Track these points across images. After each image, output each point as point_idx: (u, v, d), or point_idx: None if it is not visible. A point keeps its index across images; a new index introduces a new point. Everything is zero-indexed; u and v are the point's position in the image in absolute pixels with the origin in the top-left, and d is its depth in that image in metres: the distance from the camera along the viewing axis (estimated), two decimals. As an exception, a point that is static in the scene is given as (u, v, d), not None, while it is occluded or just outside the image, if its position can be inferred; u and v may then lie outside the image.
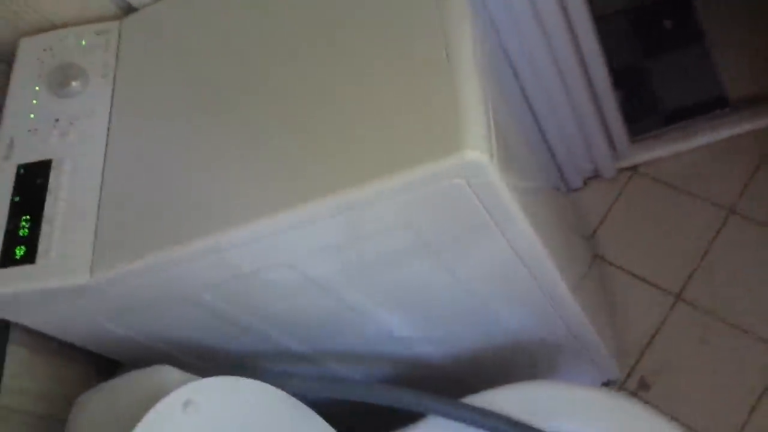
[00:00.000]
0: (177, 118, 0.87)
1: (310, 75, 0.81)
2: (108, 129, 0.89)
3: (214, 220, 0.77)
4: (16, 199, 0.84)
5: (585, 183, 1.54)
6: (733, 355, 1.31)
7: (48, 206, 0.83)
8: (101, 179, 0.85)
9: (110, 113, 0.91)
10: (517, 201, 0.79)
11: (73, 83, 0.92)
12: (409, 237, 0.80)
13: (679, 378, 1.32)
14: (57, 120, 0.90)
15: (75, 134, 0.89)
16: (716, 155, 1.48)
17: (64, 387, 0.95)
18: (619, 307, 1.41)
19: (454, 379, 1.20)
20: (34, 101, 0.92)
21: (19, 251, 0.80)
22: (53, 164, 0.86)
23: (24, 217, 0.83)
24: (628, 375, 1.35)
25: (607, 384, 1.36)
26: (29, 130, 0.90)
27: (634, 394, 1.33)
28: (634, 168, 1.53)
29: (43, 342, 0.93)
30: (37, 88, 0.93)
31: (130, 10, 0.99)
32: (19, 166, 0.87)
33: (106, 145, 0.88)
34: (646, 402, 1.32)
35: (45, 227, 0.82)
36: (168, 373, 0.78)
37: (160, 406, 0.71)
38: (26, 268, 0.80)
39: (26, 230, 0.82)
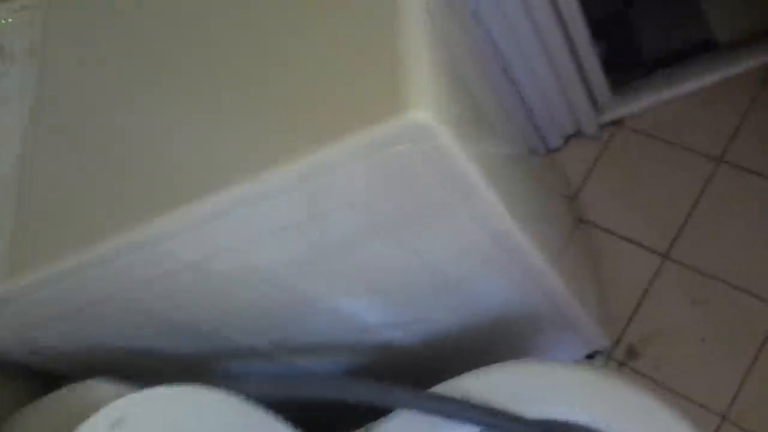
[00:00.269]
0: (107, 92, 0.79)
1: (244, 35, 0.73)
2: (31, 110, 0.81)
3: (144, 205, 0.69)
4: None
5: (566, 142, 1.46)
6: (726, 315, 1.24)
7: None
8: (21, 167, 0.77)
9: (36, 93, 0.82)
10: (481, 170, 0.71)
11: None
12: (362, 215, 0.72)
13: (669, 344, 1.26)
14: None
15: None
16: (704, 102, 1.40)
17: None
18: (605, 271, 1.34)
19: (432, 364, 1.13)
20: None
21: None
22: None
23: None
24: (617, 343, 1.29)
25: (594, 355, 1.29)
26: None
27: (623, 363, 1.27)
28: (617, 122, 1.44)
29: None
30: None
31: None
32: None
33: (27, 129, 0.79)
34: (636, 371, 1.25)
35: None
36: (97, 388, 0.71)
37: (85, 428, 0.64)
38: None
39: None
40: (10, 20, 0.90)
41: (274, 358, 1.01)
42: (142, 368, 0.92)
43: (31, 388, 0.91)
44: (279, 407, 0.85)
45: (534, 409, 0.89)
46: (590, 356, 1.29)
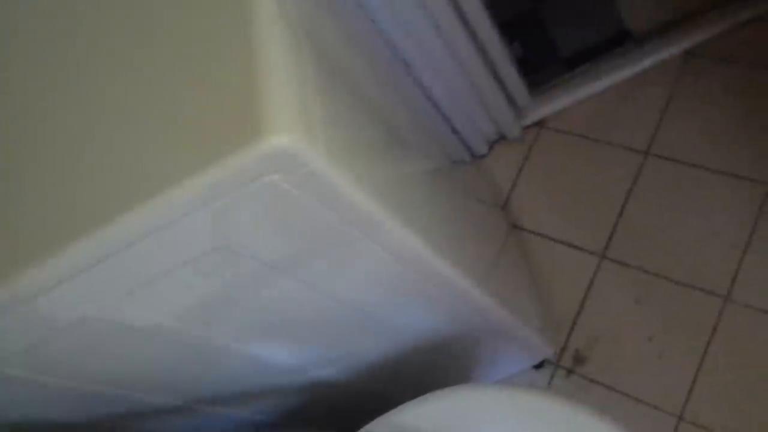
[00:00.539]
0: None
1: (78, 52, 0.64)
2: None
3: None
4: None
5: (491, 148, 1.41)
6: (671, 311, 1.20)
7: None
8: None
9: None
10: (375, 195, 0.65)
11: None
12: (246, 257, 0.65)
13: (616, 346, 1.21)
14: None
15: None
16: (624, 95, 1.37)
17: None
18: (543, 277, 1.29)
19: (371, 395, 1.06)
20: None
21: None
22: None
23: None
24: (563, 350, 1.24)
25: (541, 364, 1.24)
26: None
27: (570, 370, 1.22)
28: (539, 123, 1.40)
29: None
30: None
31: None
32: None
33: None
34: (585, 377, 1.20)
35: None
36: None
37: None
38: None
39: None
40: None
41: (196, 412, 0.94)
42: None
43: None
44: None
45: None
46: (538, 366, 1.24)
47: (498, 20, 1.22)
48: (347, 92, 0.75)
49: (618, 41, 1.40)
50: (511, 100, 1.34)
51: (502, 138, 1.40)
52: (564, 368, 1.22)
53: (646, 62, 1.37)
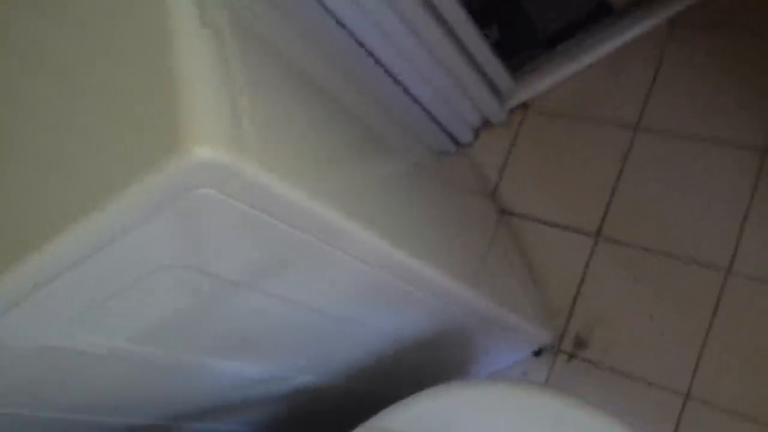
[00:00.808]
0: None
1: None
2: None
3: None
4: None
5: (476, 135, 1.38)
6: (671, 287, 1.17)
7: None
8: None
9: None
10: (329, 201, 0.63)
11: None
12: (200, 278, 0.63)
13: (617, 327, 1.18)
14: None
15: None
16: (609, 71, 1.33)
17: None
18: (537, 262, 1.26)
19: (365, 396, 1.04)
20: None
21: None
22: None
23: None
24: (562, 335, 1.21)
25: (540, 351, 1.21)
26: None
27: (572, 355, 1.19)
28: (524, 106, 1.37)
29: None
30: None
31: None
32: None
33: None
34: (587, 361, 1.17)
35: None
36: None
37: None
38: None
39: None
40: None
41: (181, 430, 0.92)
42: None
43: None
44: None
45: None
46: (537, 353, 1.21)
47: (474, 5, 1.19)
48: (302, 96, 0.72)
49: (598, 15, 1.36)
50: (492, 85, 1.31)
51: (487, 124, 1.37)
52: (565, 353, 1.19)
53: (629, 35, 1.33)
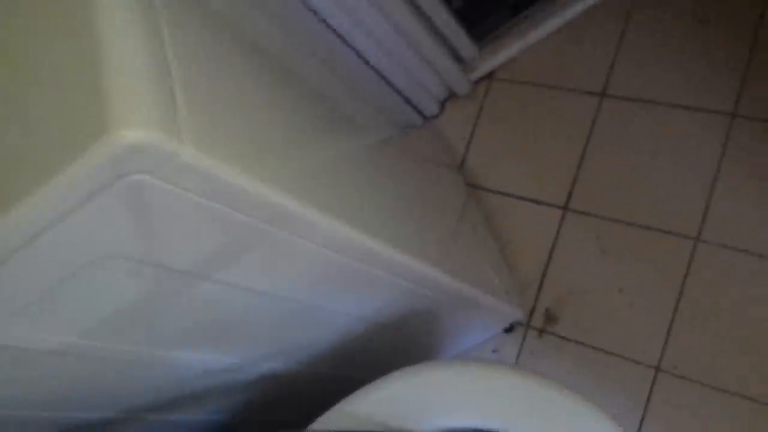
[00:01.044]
0: None
1: None
2: None
3: None
4: None
5: (442, 107, 1.34)
6: (640, 259, 1.15)
7: None
8: None
9: None
10: (276, 183, 0.59)
11: None
12: (145, 268, 0.59)
13: (587, 301, 1.16)
14: None
15: None
16: (574, 37, 1.30)
17: None
18: (505, 236, 1.24)
19: (336, 381, 1.01)
20: None
21: None
22: None
23: None
24: (533, 311, 1.19)
25: (512, 327, 1.19)
26: None
27: (542, 330, 1.17)
28: (490, 76, 1.33)
29: None
30: None
31: None
32: None
33: None
34: (558, 336, 1.16)
35: None
36: None
37: None
38: None
39: None
40: None
41: (143, 421, 0.89)
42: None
43: None
44: None
45: (431, 422, 0.79)
46: (508, 329, 1.19)
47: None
48: (251, 73, 0.68)
49: (564, -20, 1.33)
50: (455, 55, 1.27)
51: (452, 95, 1.33)
52: (535, 329, 1.18)
53: (594, 0, 1.30)
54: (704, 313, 1.09)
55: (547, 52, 1.30)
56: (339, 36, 1.08)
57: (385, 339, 1.03)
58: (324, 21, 1.04)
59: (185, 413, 0.92)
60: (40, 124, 0.49)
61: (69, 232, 0.49)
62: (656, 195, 1.17)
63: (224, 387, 0.90)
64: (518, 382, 0.78)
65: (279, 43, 0.87)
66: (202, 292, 0.67)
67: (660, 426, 1.07)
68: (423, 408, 0.80)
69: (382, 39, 1.12)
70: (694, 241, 1.13)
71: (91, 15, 0.47)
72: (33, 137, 0.48)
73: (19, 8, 0.56)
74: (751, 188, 1.13)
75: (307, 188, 0.65)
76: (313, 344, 0.92)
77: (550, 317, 1.17)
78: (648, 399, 1.09)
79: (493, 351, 1.19)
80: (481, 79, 1.33)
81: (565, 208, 1.21)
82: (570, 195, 1.21)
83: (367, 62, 1.15)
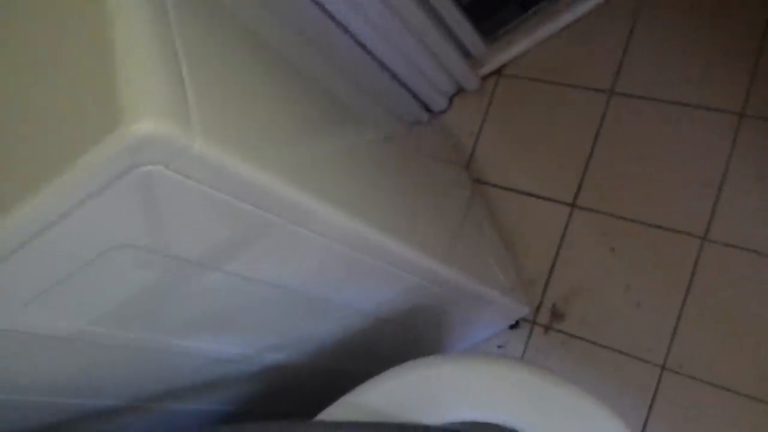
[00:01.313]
0: None
1: None
2: None
3: None
4: None
5: (450, 102, 1.34)
6: (647, 257, 1.15)
7: None
8: None
9: None
10: (285, 175, 0.59)
11: None
12: (156, 258, 0.59)
13: (593, 298, 1.16)
14: None
15: None
16: (583, 34, 1.29)
17: None
18: (513, 233, 1.23)
19: (341, 374, 1.01)
20: None
21: None
22: None
23: None
24: (539, 307, 1.19)
25: (517, 324, 1.19)
26: None
27: (548, 327, 1.17)
28: (498, 71, 1.33)
29: None
30: None
31: None
32: None
33: None
34: (564, 333, 1.16)
35: None
36: None
37: None
38: None
39: None
40: None
41: (149, 411, 0.89)
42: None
43: None
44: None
45: (437, 415, 0.79)
46: (514, 326, 1.19)
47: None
48: (259, 67, 0.68)
49: (573, -23, 1.32)
50: (464, 50, 1.26)
51: (460, 91, 1.33)
52: (541, 326, 1.18)
53: (604, -4, 1.29)
54: (711, 312, 1.09)
55: (555, 49, 1.29)
56: (346, 30, 1.08)
57: (389, 334, 1.03)
58: (331, 15, 1.04)
59: (190, 403, 0.92)
60: (53, 117, 0.49)
61: (82, 222, 0.50)
62: (664, 193, 1.17)
63: (230, 378, 0.90)
64: (526, 377, 0.78)
65: (285, 37, 0.87)
66: (211, 282, 0.67)
67: (664, 425, 1.07)
68: (430, 401, 0.80)
69: (389, 33, 1.12)
70: (702, 240, 1.13)
71: (103, 9, 0.47)
72: (46, 129, 0.48)
73: (31, 2, 0.56)
74: (760, 188, 1.13)
75: (316, 181, 0.65)
76: (318, 337, 0.92)
77: (556, 314, 1.17)
78: (653, 398, 1.08)
79: (499, 347, 1.19)
80: (490, 74, 1.33)
81: (572, 205, 1.21)
82: (578, 192, 1.21)
83: (374, 57, 1.15)
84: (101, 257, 0.54)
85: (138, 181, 0.47)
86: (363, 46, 1.11)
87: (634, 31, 1.25)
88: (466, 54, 1.27)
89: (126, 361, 0.75)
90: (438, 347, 1.15)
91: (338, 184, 0.70)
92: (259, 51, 0.71)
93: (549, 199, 1.23)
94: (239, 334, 0.80)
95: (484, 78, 1.33)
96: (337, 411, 0.81)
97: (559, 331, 1.16)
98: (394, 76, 1.20)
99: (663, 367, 1.09)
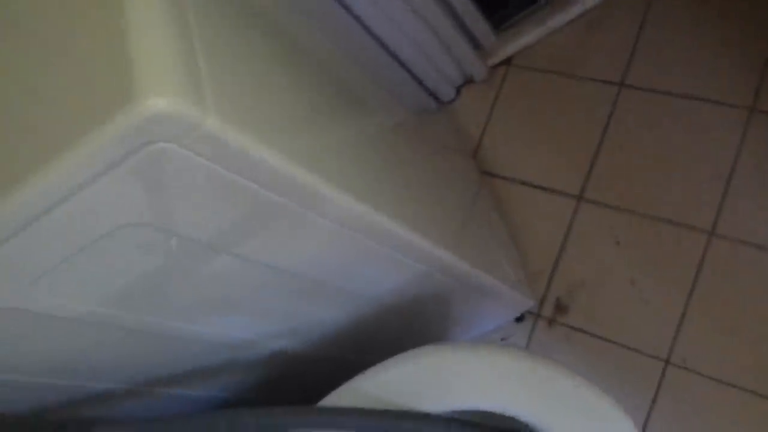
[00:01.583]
0: None
1: None
2: None
3: None
4: None
5: (458, 92, 1.33)
6: (653, 251, 1.14)
7: None
8: None
9: None
10: (297, 158, 0.59)
11: None
12: (165, 238, 0.59)
13: (598, 291, 1.15)
14: None
15: None
16: (594, 25, 1.28)
17: None
18: (518, 224, 1.23)
19: (344, 363, 1.01)
20: None
21: None
22: None
23: None
24: (543, 300, 1.18)
25: (522, 317, 1.18)
26: None
27: (552, 320, 1.16)
28: (507, 62, 1.32)
29: None
30: None
31: None
32: None
33: None
34: (568, 326, 1.15)
35: None
36: None
37: None
38: None
39: None
40: None
41: (153, 395, 0.89)
42: None
43: None
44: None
45: (438, 403, 0.78)
46: (518, 318, 1.19)
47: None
48: (271, 50, 0.67)
49: (585, -32, 1.31)
50: (473, 40, 1.26)
51: (469, 81, 1.32)
52: (545, 318, 1.17)
53: (616, -12, 1.28)
54: (716, 307, 1.08)
55: (565, 40, 1.28)
56: (355, 17, 1.07)
57: (393, 323, 1.03)
58: (342, 2, 1.03)
59: (194, 389, 0.92)
60: (66, 93, 0.49)
61: (91, 200, 0.49)
62: (672, 187, 1.16)
63: (232, 364, 0.90)
64: (528, 366, 0.78)
65: (298, 24, 0.86)
66: (217, 265, 0.67)
67: (667, 419, 1.07)
68: (432, 389, 0.80)
69: (399, 22, 1.11)
70: (709, 235, 1.12)
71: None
72: (59, 106, 0.48)
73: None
74: (768, 184, 1.12)
75: (326, 164, 0.65)
76: (323, 324, 0.92)
77: (560, 307, 1.16)
78: (656, 392, 1.08)
79: (502, 339, 1.19)
80: (499, 65, 1.32)
81: (579, 197, 1.20)
82: (585, 185, 1.20)
83: (383, 45, 1.14)
84: (109, 236, 0.54)
85: (149, 158, 0.47)
86: (372, 34, 1.10)
87: (644, 24, 1.24)
88: (475, 44, 1.26)
89: (130, 343, 0.75)
90: (441, 339, 1.15)
91: (347, 169, 0.70)
92: (271, 34, 0.70)
93: (555, 192, 1.22)
94: (244, 318, 0.80)
95: (493, 68, 1.32)
96: (339, 398, 0.81)
97: (563, 324, 1.16)
98: (403, 65, 1.19)
99: (667, 362, 1.08)
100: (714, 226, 1.12)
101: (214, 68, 0.49)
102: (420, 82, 1.26)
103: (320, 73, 0.83)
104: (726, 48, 1.19)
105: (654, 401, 1.08)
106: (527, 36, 1.29)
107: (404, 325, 1.06)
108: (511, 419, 0.76)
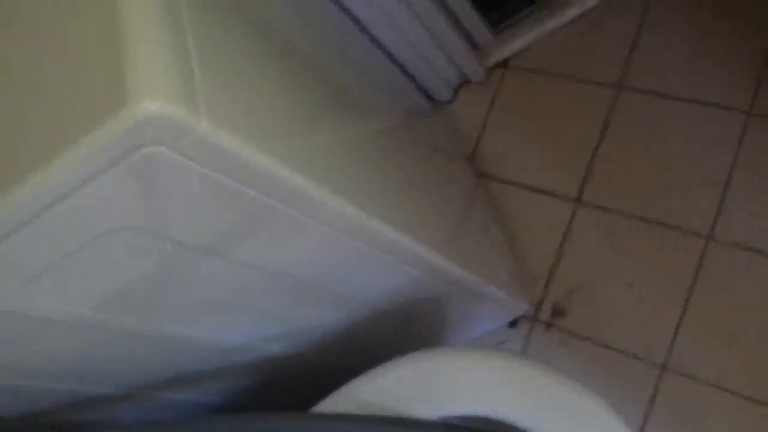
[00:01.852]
0: None
1: None
2: None
3: None
4: None
5: (455, 93, 1.33)
6: (650, 255, 1.13)
7: None
8: None
9: None
10: (288, 161, 0.58)
11: None
12: (157, 241, 0.58)
13: (595, 296, 1.15)
14: None
15: None
16: (592, 27, 1.27)
17: None
18: (515, 228, 1.22)
19: (333, 367, 1.00)
20: None
21: None
22: None
23: None
24: (540, 304, 1.17)
25: (516, 321, 1.17)
26: None
27: (549, 324, 1.16)
28: (504, 63, 1.31)
29: None
30: None
31: None
32: None
33: None
34: (565, 330, 1.14)
35: None
36: None
37: None
38: None
39: None
40: None
41: (145, 399, 0.88)
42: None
43: None
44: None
45: (433, 409, 0.77)
46: (514, 322, 1.18)
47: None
48: (265, 52, 0.66)
49: (583, -31, 1.30)
50: (470, 41, 1.25)
51: (465, 82, 1.31)
52: (542, 322, 1.16)
53: (614, -11, 1.27)
54: (713, 312, 1.08)
55: (563, 42, 1.27)
56: (352, 18, 1.06)
57: (388, 327, 1.02)
58: (338, 2, 1.02)
59: (187, 393, 0.91)
60: (59, 95, 0.48)
61: (83, 203, 0.49)
62: (669, 191, 1.15)
63: (229, 368, 0.89)
64: (522, 371, 0.77)
65: (292, 25, 0.86)
66: (211, 268, 0.66)
67: (664, 425, 1.06)
68: (426, 394, 0.79)
69: (397, 22, 1.10)
70: (706, 239, 1.11)
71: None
72: (52, 108, 0.47)
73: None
74: (766, 187, 1.11)
75: (320, 168, 0.64)
76: (317, 328, 0.91)
77: (557, 311, 1.16)
78: (653, 397, 1.07)
79: (499, 343, 1.18)
80: (496, 66, 1.31)
81: (576, 200, 1.19)
82: (582, 188, 1.20)
83: (379, 45, 1.13)
84: (101, 239, 0.53)
85: (142, 161, 0.47)
86: (369, 34, 1.09)
87: (642, 26, 1.23)
88: (472, 45, 1.25)
89: (125, 347, 0.74)
90: (436, 343, 1.14)
91: (341, 173, 0.69)
92: (266, 37, 0.69)
93: (553, 195, 1.21)
94: (238, 321, 0.79)
95: (490, 69, 1.31)
96: (334, 403, 0.80)
97: (560, 328, 1.15)
98: (400, 65, 1.18)
99: (664, 367, 1.07)
100: (711, 230, 1.12)
101: (208, 73, 0.49)
102: (416, 83, 1.25)
103: (315, 76, 0.82)
104: (724, 51, 1.19)
105: (650, 406, 1.07)
106: (525, 37, 1.28)
107: (399, 330, 1.05)
108: (507, 424, 0.75)
